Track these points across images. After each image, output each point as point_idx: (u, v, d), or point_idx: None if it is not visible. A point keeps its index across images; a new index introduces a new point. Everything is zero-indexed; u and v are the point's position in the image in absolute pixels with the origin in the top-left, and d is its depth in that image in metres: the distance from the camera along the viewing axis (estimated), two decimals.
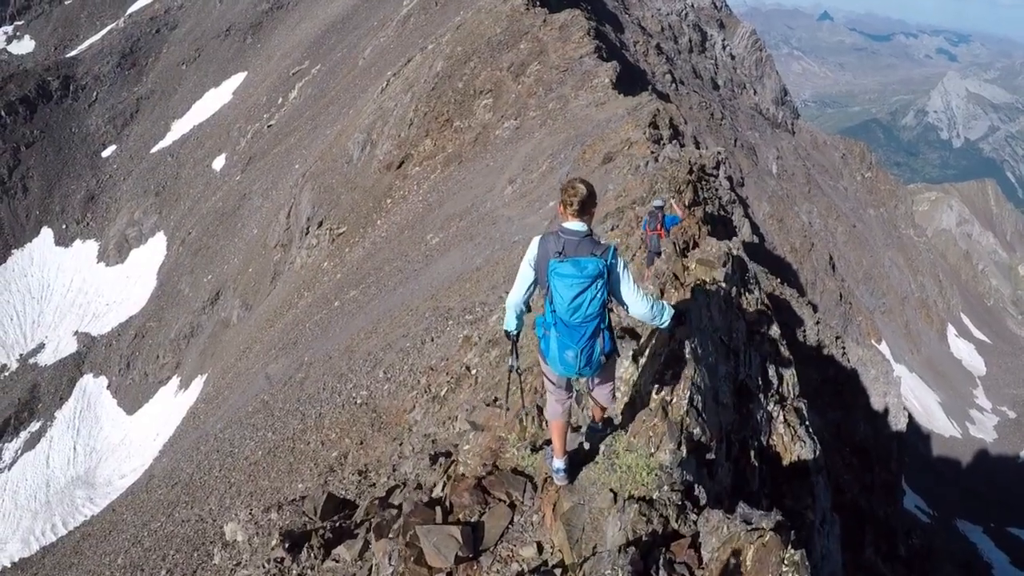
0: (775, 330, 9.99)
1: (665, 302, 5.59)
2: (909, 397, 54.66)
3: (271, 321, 33.67)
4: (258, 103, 61.64)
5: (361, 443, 15.65)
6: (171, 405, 44.37)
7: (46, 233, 64.76)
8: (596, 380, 5.54)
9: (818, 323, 31.48)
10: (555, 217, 22.13)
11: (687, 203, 17.03)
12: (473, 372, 13.61)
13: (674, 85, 52.83)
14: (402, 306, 22.42)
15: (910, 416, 47.24)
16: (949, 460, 62.36)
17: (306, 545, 8.41)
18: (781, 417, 8.51)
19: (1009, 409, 77.71)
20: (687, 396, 6.23)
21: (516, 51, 34.33)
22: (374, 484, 12.26)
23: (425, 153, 32.82)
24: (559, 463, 5.69)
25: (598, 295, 4.93)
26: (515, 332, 5.63)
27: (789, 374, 9.45)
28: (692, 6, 75.09)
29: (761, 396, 8.48)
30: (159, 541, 19.30)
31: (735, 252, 12.67)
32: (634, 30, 56.99)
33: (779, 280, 30.76)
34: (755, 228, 34.73)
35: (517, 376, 6.20)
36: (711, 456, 6.28)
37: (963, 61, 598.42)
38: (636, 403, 6.41)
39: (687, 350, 6.53)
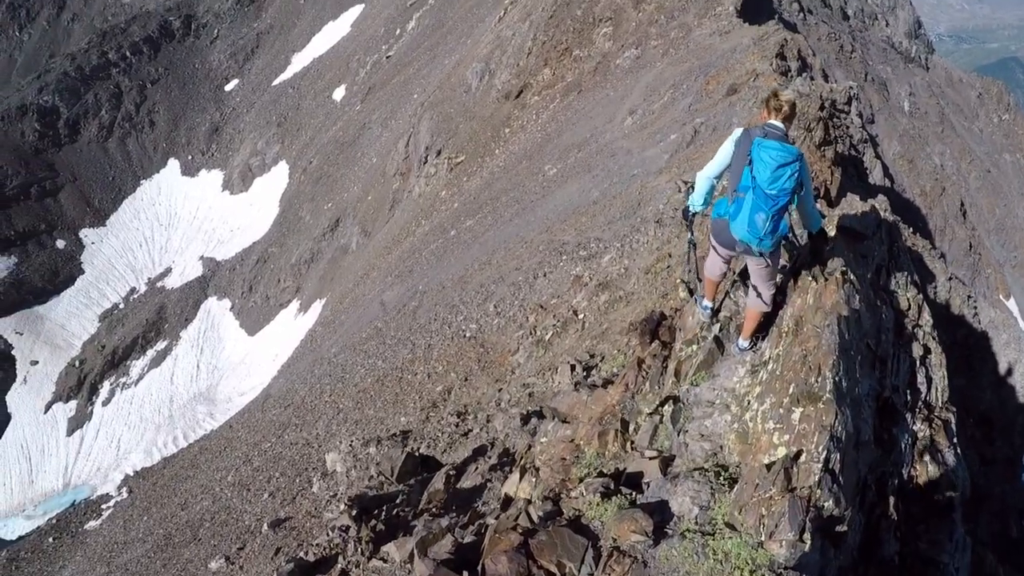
0: (926, 319, 8.68)
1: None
2: None
3: (389, 248, 34.44)
4: (376, 35, 62.20)
5: (466, 379, 15.94)
6: (290, 327, 46.30)
7: (173, 164, 68.01)
8: (762, 267, 6.04)
9: (950, 279, 30.18)
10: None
11: (818, 142, 16.47)
12: (580, 317, 13.66)
13: (802, 14, 50.43)
14: (517, 238, 22.55)
15: None
16: None
17: (353, 538, 8.22)
18: (927, 435, 7.31)
19: None
20: (822, 456, 4.82)
21: None
22: (467, 433, 12.60)
23: (544, 82, 32.59)
24: (708, 303, 6.77)
25: (796, 174, 5.51)
26: (698, 211, 6.44)
27: (940, 376, 8.24)
28: None
29: (908, 415, 7.34)
30: (267, 462, 20.15)
31: (885, 215, 11.81)
32: None
33: (911, 230, 29.59)
34: (885, 169, 33.28)
35: (693, 248, 7.19)
36: (842, 528, 4.84)
37: None
38: (750, 440, 5.50)
39: (828, 382, 5.22)
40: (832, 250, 6.79)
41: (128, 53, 70.80)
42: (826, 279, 6.27)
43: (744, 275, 6.81)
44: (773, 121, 5.72)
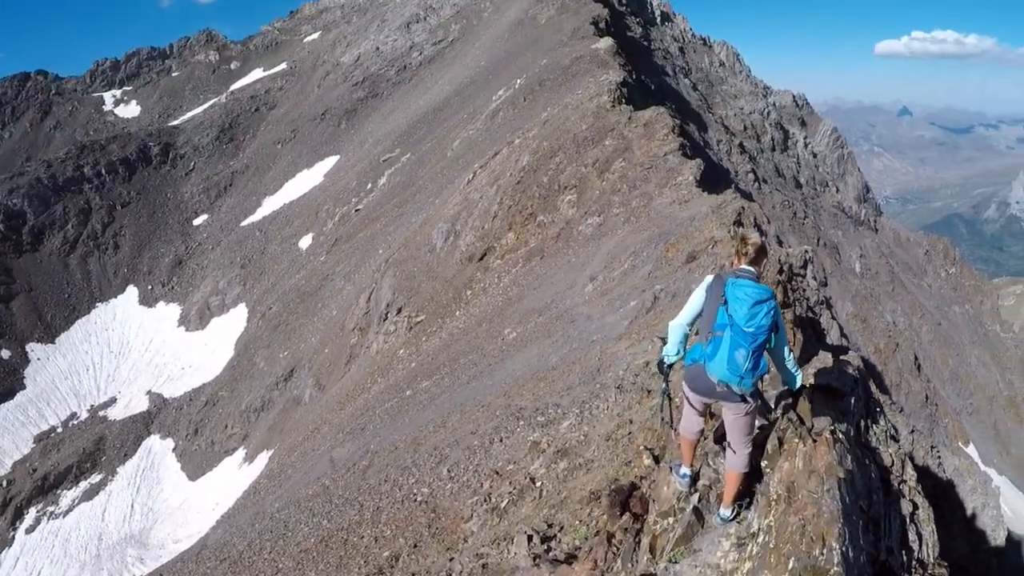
0: (910, 474, 8.68)
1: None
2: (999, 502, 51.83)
3: (342, 404, 33.91)
4: (348, 187, 63.56)
5: (415, 546, 15.35)
6: (234, 476, 44.79)
7: (131, 291, 67.71)
8: (739, 416, 5.98)
9: (912, 431, 30.35)
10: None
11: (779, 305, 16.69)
12: (538, 484, 13.27)
13: (757, 184, 52.78)
14: (474, 401, 22.32)
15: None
16: None
17: None
18: None
19: None
20: None
21: (601, 147, 34.78)
22: None
23: (507, 246, 33.20)
24: (686, 469, 6.56)
25: (770, 312, 5.58)
26: (672, 362, 6.38)
27: (929, 532, 8.10)
28: (774, 105, 75.57)
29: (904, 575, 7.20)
30: None
31: (856, 368, 11.67)
32: (717, 129, 57.48)
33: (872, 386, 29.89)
34: (840, 329, 33.97)
35: (669, 400, 7.05)
36: None
37: None
38: None
39: (836, 554, 4.87)
40: (813, 408, 6.77)
41: (103, 171, 72.01)
42: (815, 439, 6.11)
43: (721, 438, 6.64)
44: (743, 266, 5.86)
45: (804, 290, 28.33)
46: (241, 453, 46.98)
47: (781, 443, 6.29)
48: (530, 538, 10.14)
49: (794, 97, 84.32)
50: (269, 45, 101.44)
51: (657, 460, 7.62)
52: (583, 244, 30.03)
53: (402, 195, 51.67)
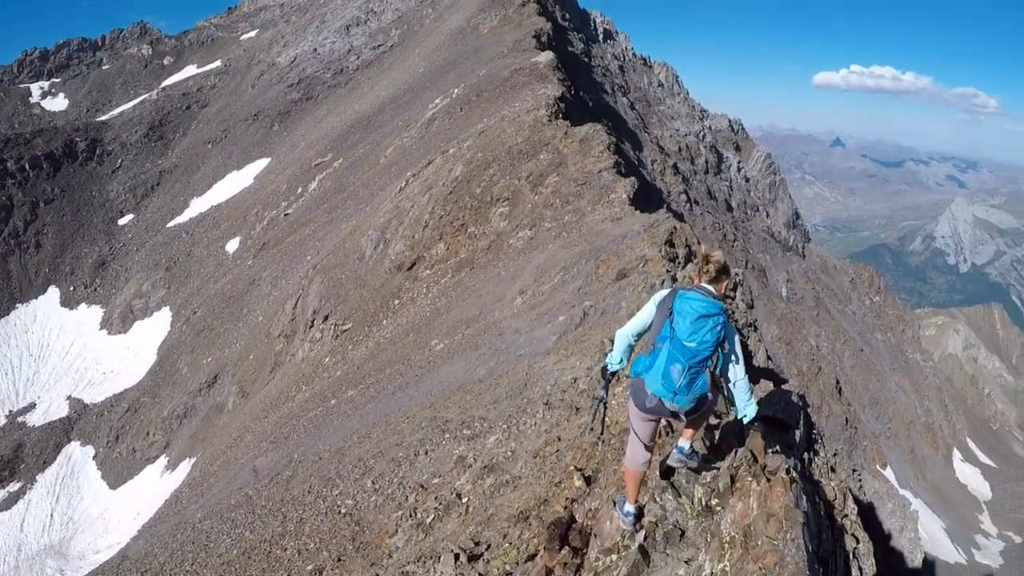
0: (851, 507, 8.40)
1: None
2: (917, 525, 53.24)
3: (266, 412, 33.03)
4: (277, 190, 62.31)
5: (339, 560, 14.83)
6: (156, 485, 43.27)
7: (52, 292, 65.08)
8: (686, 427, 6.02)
9: (835, 455, 30.80)
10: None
11: None
12: (464, 500, 12.88)
13: (689, 205, 53.32)
14: (399, 412, 21.85)
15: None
16: None
17: None
18: None
19: (1015, 534, 75.83)
20: None
21: (536, 161, 34.59)
22: None
23: (437, 256, 32.72)
24: (630, 507, 6.20)
25: (716, 328, 5.35)
26: (615, 370, 6.20)
27: (869, 565, 7.99)
28: (710, 128, 76.77)
29: None
30: None
31: (799, 397, 11.56)
32: (652, 148, 57.95)
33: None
34: (766, 351, 34.40)
35: (603, 407, 6.71)
36: None
37: (971, 187, 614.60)
38: None
39: None
40: (765, 443, 6.51)
41: (27, 166, 69.13)
42: (769, 479, 5.80)
43: (667, 472, 6.48)
44: (703, 284, 5.65)
45: (734, 312, 28.51)
46: (163, 461, 45.50)
47: (733, 480, 5.99)
48: (456, 557, 9.77)
49: (730, 121, 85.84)
50: (204, 41, 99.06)
51: (588, 481, 7.39)
52: (514, 257, 29.73)
53: (332, 201, 50.77)
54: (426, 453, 17.39)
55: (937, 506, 73.14)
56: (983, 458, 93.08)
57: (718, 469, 6.26)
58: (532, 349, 21.37)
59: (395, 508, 15.39)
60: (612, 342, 6.52)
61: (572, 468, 9.07)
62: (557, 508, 8.18)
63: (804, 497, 5.83)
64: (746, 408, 5.86)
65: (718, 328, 5.35)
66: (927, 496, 73.41)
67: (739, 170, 77.49)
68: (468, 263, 31.27)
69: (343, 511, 16.89)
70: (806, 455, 8.57)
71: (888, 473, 66.44)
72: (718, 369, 5.56)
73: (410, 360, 26.38)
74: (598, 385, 7.12)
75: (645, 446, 6.00)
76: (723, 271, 5.66)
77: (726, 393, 5.96)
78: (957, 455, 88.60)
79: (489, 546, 9.78)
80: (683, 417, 5.66)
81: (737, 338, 5.63)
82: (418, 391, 23.27)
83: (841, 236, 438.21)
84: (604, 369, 6.29)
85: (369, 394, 25.78)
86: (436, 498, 13.78)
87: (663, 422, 6.37)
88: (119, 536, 39.78)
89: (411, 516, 13.83)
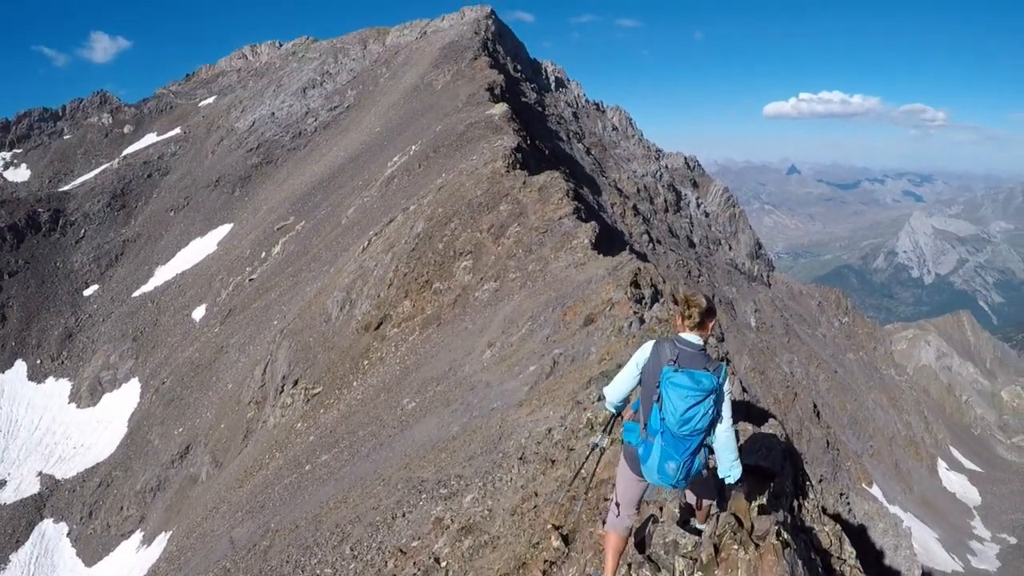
0: (848, 551, 7.75)
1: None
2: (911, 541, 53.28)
3: (240, 481, 32.55)
4: (241, 256, 62.08)
5: None
6: (132, 560, 42.35)
7: (20, 366, 63.77)
8: (691, 494, 5.83)
9: (820, 481, 30.79)
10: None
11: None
12: (443, 565, 12.55)
13: (651, 244, 53.83)
14: (374, 474, 21.63)
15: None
16: None
17: None
18: None
19: (1009, 535, 76.15)
20: None
21: (496, 212, 34.84)
22: None
23: (404, 314, 32.70)
24: None
25: (710, 411, 5.02)
26: (616, 412, 5.80)
27: None
28: (666, 167, 77.89)
29: None
30: None
31: (783, 438, 11.17)
32: (611, 192, 58.62)
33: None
34: (740, 383, 34.53)
35: (599, 453, 6.51)
36: None
37: (928, 200, 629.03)
38: None
39: None
40: (749, 498, 6.10)
41: None
42: (758, 546, 5.31)
43: (641, 544, 6.21)
44: (685, 335, 5.21)
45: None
46: (138, 536, 44.59)
47: (718, 550, 5.45)
48: None
49: (686, 159, 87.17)
50: (164, 109, 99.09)
51: (566, 541, 7.21)
52: (480, 310, 29.77)
53: (296, 264, 50.68)
54: (403, 515, 17.20)
55: (928, 517, 73.37)
56: (968, 464, 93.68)
57: (699, 536, 5.80)
58: (504, 402, 21.33)
59: (374, 574, 15.27)
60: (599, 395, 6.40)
61: (550, 526, 8.84)
62: (536, 573, 8.11)
63: (799, 562, 5.39)
64: (731, 469, 5.39)
65: (710, 412, 5.01)
66: (916, 509, 73.64)
67: (698, 206, 78.57)
68: (435, 319, 31.27)
69: None
70: (796, 501, 8.16)
71: (875, 491, 66.61)
72: (711, 439, 5.28)
73: (382, 420, 26.21)
74: (596, 431, 6.71)
75: (631, 509, 5.74)
76: (708, 313, 5.25)
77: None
78: (942, 464, 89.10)
79: None
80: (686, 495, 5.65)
81: (729, 397, 5.26)
82: (392, 452, 23.08)
83: (805, 261, 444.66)
84: (609, 416, 5.97)
85: (343, 458, 25.52)
86: (415, 563, 13.60)
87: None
88: None
89: None
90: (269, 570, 19.36)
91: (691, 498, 6.16)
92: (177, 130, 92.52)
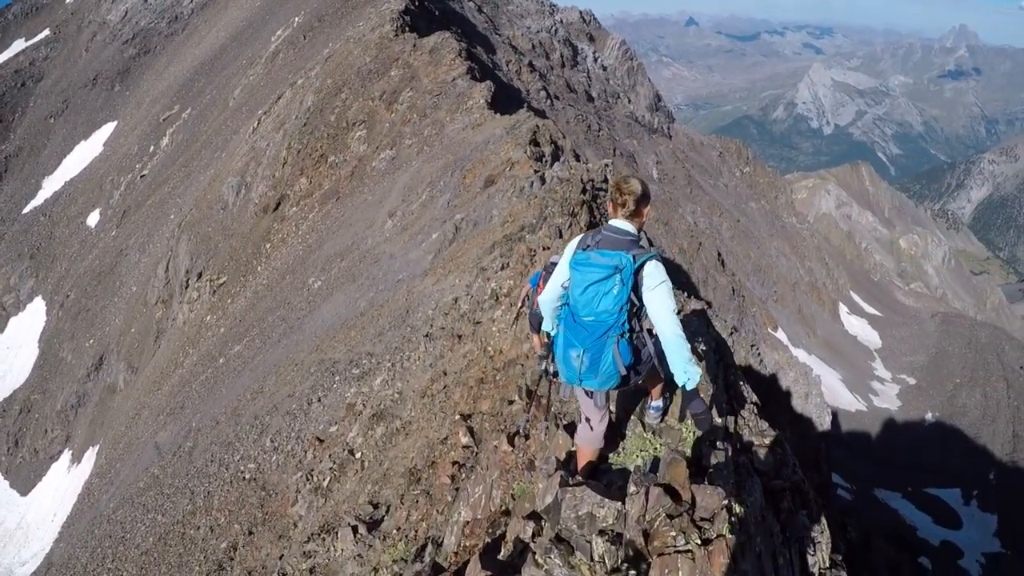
0: (795, 471, 6.66)
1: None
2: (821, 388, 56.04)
3: (158, 383, 32.06)
4: (129, 153, 59.21)
5: (250, 533, 14.70)
6: (65, 482, 41.69)
7: None
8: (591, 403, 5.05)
9: (732, 334, 31.75)
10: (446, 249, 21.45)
11: (585, 225, 15.53)
12: (358, 456, 12.77)
13: (549, 101, 53.05)
14: (287, 360, 21.47)
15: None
16: (858, 433, 64.84)
17: None
18: None
19: (908, 376, 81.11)
20: None
21: (387, 79, 33.72)
22: None
23: (301, 192, 31.82)
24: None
25: (612, 290, 4.43)
26: (547, 331, 5.13)
27: (825, 540, 6.09)
28: (561, 22, 76.08)
29: None
30: None
31: (699, 313, 10.98)
32: (506, 50, 57.14)
33: (685, 295, 30.89)
34: (646, 236, 34.97)
35: (548, 381, 5.83)
36: None
37: (828, 53, 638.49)
38: None
39: None
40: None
41: None
42: (704, 541, 3.97)
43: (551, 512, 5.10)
44: (615, 221, 4.72)
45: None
46: (67, 456, 43.76)
47: (648, 538, 4.11)
48: (355, 530, 9.60)
49: (581, 13, 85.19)
50: (29, 11, 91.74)
51: (473, 435, 6.99)
52: (378, 180, 29.18)
53: (187, 153, 48.60)
54: (319, 400, 17.29)
55: (831, 359, 77.15)
56: (869, 308, 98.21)
57: (621, 514, 4.37)
58: (409, 272, 21.20)
59: (295, 467, 15.24)
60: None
61: (457, 417, 8.53)
62: (443, 478, 7.88)
63: (758, 540, 4.50)
64: (686, 372, 4.56)
65: (616, 288, 4.42)
66: (820, 351, 77.27)
67: (595, 60, 77.38)
68: (333, 193, 30.56)
69: (247, 476, 16.73)
70: (729, 418, 6.80)
71: (780, 335, 69.47)
72: (627, 329, 4.61)
73: (290, 303, 25.86)
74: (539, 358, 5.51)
75: (587, 420, 5.16)
76: (643, 199, 4.72)
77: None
78: (843, 309, 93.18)
79: (388, 508, 9.66)
80: (607, 395, 4.93)
81: (663, 282, 4.56)
82: (303, 335, 22.90)
83: (704, 113, 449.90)
84: (546, 371, 5.23)
85: (255, 346, 25.24)
86: (331, 456, 13.56)
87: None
88: (41, 543, 38.05)
89: (308, 480, 13.65)
90: (195, 472, 19.33)
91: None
92: (46, 32, 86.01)
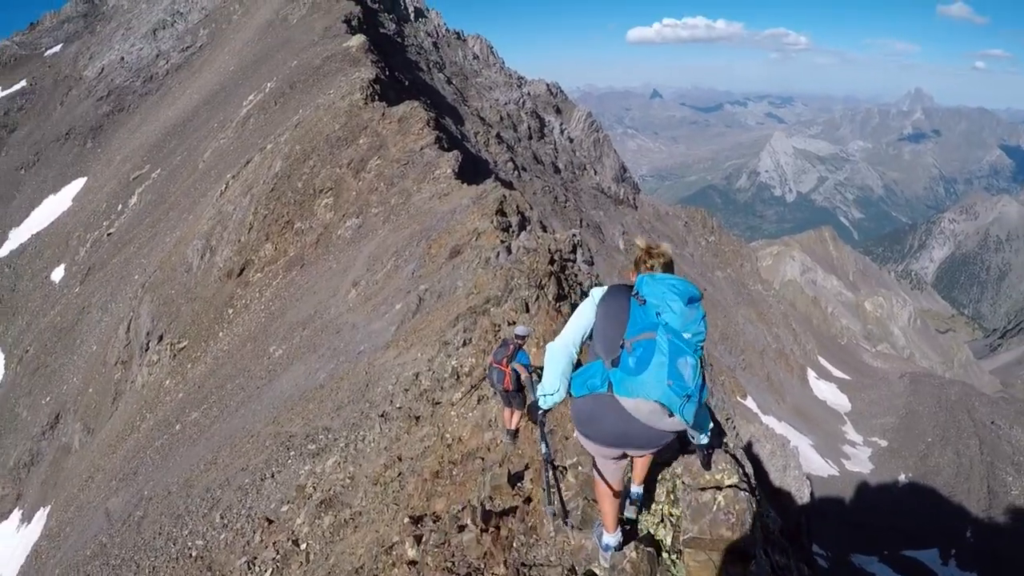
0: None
1: None
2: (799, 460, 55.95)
3: (113, 447, 31.48)
4: (97, 210, 58.97)
5: None
6: (14, 541, 40.37)
7: None
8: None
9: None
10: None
11: (552, 298, 14.90)
12: (303, 547, 12.28)
13: (516, 172, 53.78)
14: (243, 431, 21.23)
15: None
16: (831, 499, 64.43)
17: None
18: None
19: (879, 438, 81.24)
20: None
21: (356, 146, 34.09)
22: None
23: (266, 258, 31.82)
24: (611, 539, 4.54)
25: (704, 323, 3.76)
26: (553, 405, 4.20)
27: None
28: (529, 94, 77.54)
29: None
30: None
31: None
32: (474, 121, 58.09)
33: None
34: None
35: (551, 468, 4.66)
36: None
37: (789, 121, 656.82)
38: None
39: None
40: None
41: None
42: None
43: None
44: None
45: (577, 275, 28.84)
46: (17, 515, 42.40)
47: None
48: None
49: (548, 86, 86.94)
50: (8, 62, 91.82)
51: (419, 541, 6.03)
52: (344, 248, 29.28)
53: (155, 214, 48.48)
54: (272, 476, 17.02)
55: (802, 425, 77.23)
56: (837, 372, 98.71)
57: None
58: (371, 344, 21.16)
59: (243, 548, 14.88)
60: (532, 371, 5.04)
61: (406, 520, 7.33)
62: None
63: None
64: (705, 422, 4.22)
65: (704, 319, 3.77)
66: (790, 418, 77.39)
67: (562, 132, 78.76)
68: (298, 261, 30.60)
69: (194, 554, 16.37)
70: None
71: (749, 402, 69.59)
72: None
73: (250, 371, 25.65)
74: (537, 435, 4.89)
75: (617, 454, 4.20)
76: (670, 266, 4.03)
77: None
78: (812, 374, 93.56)
79: None
80: (653, 447, 4.04)
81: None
82: (261, 404, 22.68)
83: (669, 183, 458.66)
84: (533, 407, 4.39)
85: (212, 414, 24.94)
86: (275, 545, 13.12)
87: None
88: None
89: (250, 569, 13.12)
90: (143, 544, 18.90)
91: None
92: (23, 83, 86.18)
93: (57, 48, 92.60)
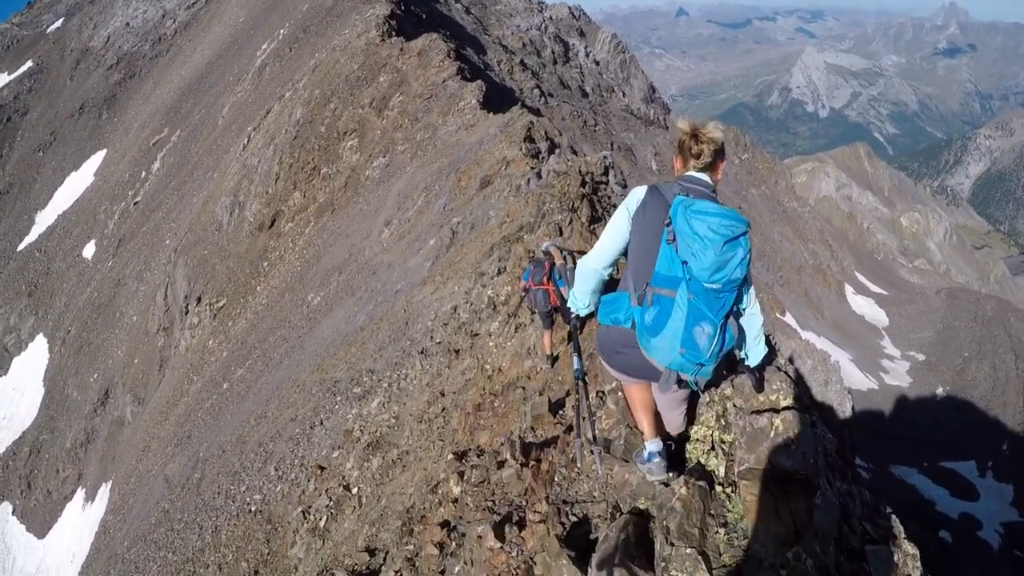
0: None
1: None
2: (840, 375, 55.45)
3: (164, 414, 31.47)
4: (121, 180, 58.61)
5: (255, 573, 14.00)
6: (81, 521, 40.97)
7: None
8: (679, 397, 4.16)
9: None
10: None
11: (586, 220, 13.96)
12: (354, 491, 12.09)
13: (543, 98, 52.26)
14: (290, 382, 20.83)
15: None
16: (872, 412, 64.59)
17: None
18: None
19: (917, 353, 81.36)
20: None
21: (376, 85, 32.97)
22: None
23: (296, 207, 31.06)
24: (654, 445, 4.16)
25: (747, 256, 3.45)
26: (585, 315, 4.33)
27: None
28: (551, 18, 75.43)
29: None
30: None
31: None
32: (496, 50, 56.43)
33: None
34: None
35: (583, 384, 4.48)
36: None
37: (820, 36, 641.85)
38: None
39: None
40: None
41: None
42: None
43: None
44: (693, 173, 3.75)
45: (610, 196, 27.85)
46: (81, 495, 42.98)
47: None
48: None
49: (570, 9, 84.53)
50: (10, 44, 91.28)
51: (462, 478, 5.86)
52: (373, 189, 28.42)
53: (179, 176, 47.90)
54: (321, 423, 16.87)
55: (840, 340, 76.75)
56: (874, 288, 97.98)
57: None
58: (408, 281, 20.59)
59: (299, 498, 14.61)
60: (569, 252, 4.94)
61: (451, 457, 7.08)
62: (430, 548, 6.39)
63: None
64: (755, 346, 4.03)
65: (748, 255, 3.48)
66: (829, 333, 76.81)
67: (587, 55, 76.68)
68: (328, 206, 29.81)
69: (253, 508, 16.24)
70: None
71: (788, 319, 68.89)
72: (741, 306, 3.85)
73: (291, 322, 25.17)
74: (568, 354, 4.65)
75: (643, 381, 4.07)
76: (721, 152, 3.80)
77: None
78: (849, 289, 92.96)
79: (386, 555, 8.85)
80: (696, 387, 3.81)
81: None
82: (304, 353, 22.31)
83: (700, 102, 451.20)
84: (567, 312, 4.40)
85: (258, 369, 24.65)
86: (328, 492, 12.92)
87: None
88: None
89: (305, 519, 12.98)
90: (203, 505, 18.82)
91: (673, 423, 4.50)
92: (29, 64, 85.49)
93: (59, 23, 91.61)
